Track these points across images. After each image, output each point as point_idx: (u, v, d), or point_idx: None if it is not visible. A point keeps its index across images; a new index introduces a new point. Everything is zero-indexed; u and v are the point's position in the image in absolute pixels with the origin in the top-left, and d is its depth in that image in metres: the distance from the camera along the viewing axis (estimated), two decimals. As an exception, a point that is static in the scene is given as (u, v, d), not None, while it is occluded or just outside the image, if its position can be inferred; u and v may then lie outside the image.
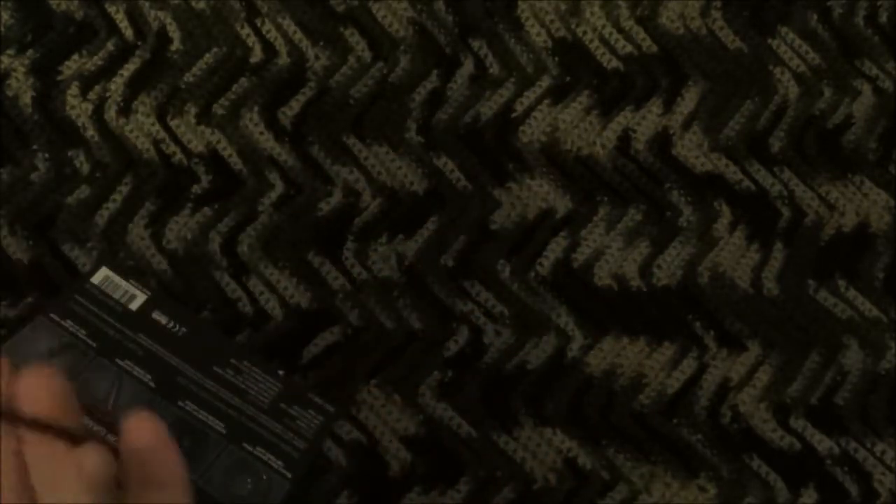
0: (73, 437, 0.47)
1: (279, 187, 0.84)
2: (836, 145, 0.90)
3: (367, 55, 0.89)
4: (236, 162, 0.85)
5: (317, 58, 0.88)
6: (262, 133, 0.86)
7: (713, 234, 0.86)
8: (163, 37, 0.88)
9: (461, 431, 0.79)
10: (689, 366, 0.83)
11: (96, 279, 0.78)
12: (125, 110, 0.85)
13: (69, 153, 0.83)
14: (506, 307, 0.83)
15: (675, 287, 0.85)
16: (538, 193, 0.86)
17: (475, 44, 0.90)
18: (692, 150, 0.88)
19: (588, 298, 0.84)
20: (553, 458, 0.79)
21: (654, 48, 0.91)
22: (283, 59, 0.88)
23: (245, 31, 0.88)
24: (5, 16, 0.87)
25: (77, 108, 0.85)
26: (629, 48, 0.91)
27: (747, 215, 0.87)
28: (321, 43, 0.89)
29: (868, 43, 0.93)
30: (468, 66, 0.89)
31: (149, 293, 0.79)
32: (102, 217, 0.82)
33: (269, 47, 0.88)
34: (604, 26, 0.92)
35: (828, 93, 0.91)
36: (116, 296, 0.78)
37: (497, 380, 0.81)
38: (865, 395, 0.83)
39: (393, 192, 0.85)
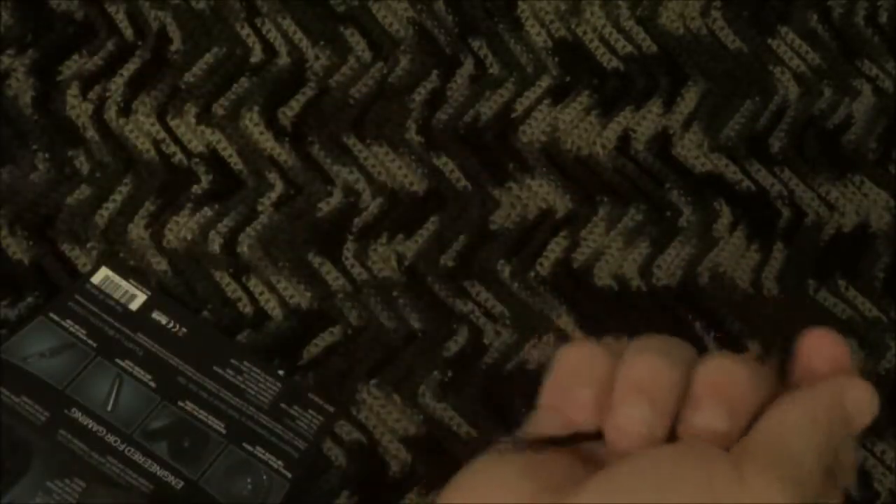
0: None
1: (279, 187, 0.84)
2: (836, 145, 0.90)
3: (367, 55, 0.89)
4: (236, 162, 0.85)
5: (317, 58, 0.88)
6: (262, 133, 0.85)
7: (713, 234, 0.86)
8: (163, 37, 0.88)
9: (461, 431, 0.79)
10: (689, 366, 0.82)
11: (96, 279, 0.79)
12: (125, 110, 0.85)
13: (69, 153, 0.83)
14: (506, 307, 0.83)
15: (675, 287, 0.84)
16: (538, 193, 0.86)
17: (475, 44, 0.90)
18: (692, 150, 0.88)
19: (588, 298, 0.84)
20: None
21: (654, 48, 0.91)
22: (283, 59, 0.88)
23: (245, 31, 0.88)
24: (5, 16, 0.87)
25: (77, 108, 0.85)
26: (629, 48, 0.91)
27: (747, 215, 0.87)
28: (321, 43, 0.89)
29: (868, 43, 0.93)
30: (468, 66, 0.89)
31: (149, 293, 0.79)
32: (102, 217, 0.82)
33: (269, 47, 0.88)
34: (604, 26, 0.92)
35: (828, 93, 0.91)
36: (116, 296, 0.78)
37: (497, 380, 0.81)
38: (865, 395, 0.83)
39: (393, 192, 0.85)
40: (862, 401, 0.38)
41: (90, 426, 0.71)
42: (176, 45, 0.87)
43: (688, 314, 0.84)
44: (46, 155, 0.83)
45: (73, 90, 0.85)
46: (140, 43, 0.87)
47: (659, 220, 0.86)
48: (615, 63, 0.90)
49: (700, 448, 0.35)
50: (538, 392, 0.39)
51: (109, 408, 0.72)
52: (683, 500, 0.33)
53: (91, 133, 0.84)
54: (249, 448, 0.73)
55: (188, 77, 0.87)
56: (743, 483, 0.34)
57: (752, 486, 0.34)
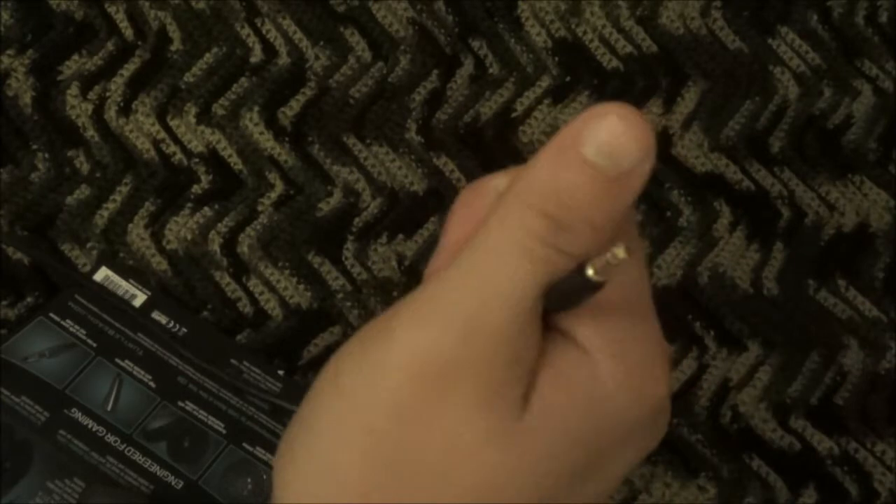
0: None
1: (279, 187, 0.84)
2: (836, 145, 0.90)
3: (367, 55, 0.89)
4: (236, 162, 0.85)
5: (317, 58, 0.88)
6: (262, 133, 0.86)
7: (713, 234, 0.86)
8: (163, 37, 0.88)
9: (461, 431, 0.79)
10: (689, 366, 0.83)
11: (96, 279, 0.78)
12: (125, 110, 0.85)
13: (69, 153, 0.84)
14: (506, 307, 0.82)
15: (675, 287, 0.85)
16: (538, 193, 0.86)
17: (475, 44, 0.90)
18: (692, 150, 0.88)
19: (588, 298, 0.83)
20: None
21: (654, 48, 0.91)
22: (283, 59, 0.88)
23: (245, 31, 0.88)
24: (5, 16, 0.87)
25: (77, 108, 0.85)
26: (629, 48, 0.91)
27: (747, 215, 0.87)
28: (321, 43, 0.89)
29: (868, 43, 0.93)
30: (468, 66, 0.89)
31: (149, 293, 0.79)
32: (102, 217, 0.82)
33: (269, 47, 0.88)
34: (604, 26, 0.92)
35: (828, 93, 0.91)
36: (117, 295, 0.78)
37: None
38: (865, 395, 0.83)
39: (393, 192, 0.85)
40: (610, 142, 0.25)
41: (90, 426, 0.71)
42: (176, 45, 0.87)
43: (687, 314, 0.84)
44: (46, 155, 0.83)
45: (73, 90, 0.85)
46: (140, 43, 0.87)
47: (659, 220, 0.86)
48: (615, 63, 0.91)
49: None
50: None
51: (109, 408, 0.72)
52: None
53: (91, 133, 0.84)
54: (249, 448, 0.73)
55: (188, 77, 0.87)
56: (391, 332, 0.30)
57: (398, 334, 0.29)
